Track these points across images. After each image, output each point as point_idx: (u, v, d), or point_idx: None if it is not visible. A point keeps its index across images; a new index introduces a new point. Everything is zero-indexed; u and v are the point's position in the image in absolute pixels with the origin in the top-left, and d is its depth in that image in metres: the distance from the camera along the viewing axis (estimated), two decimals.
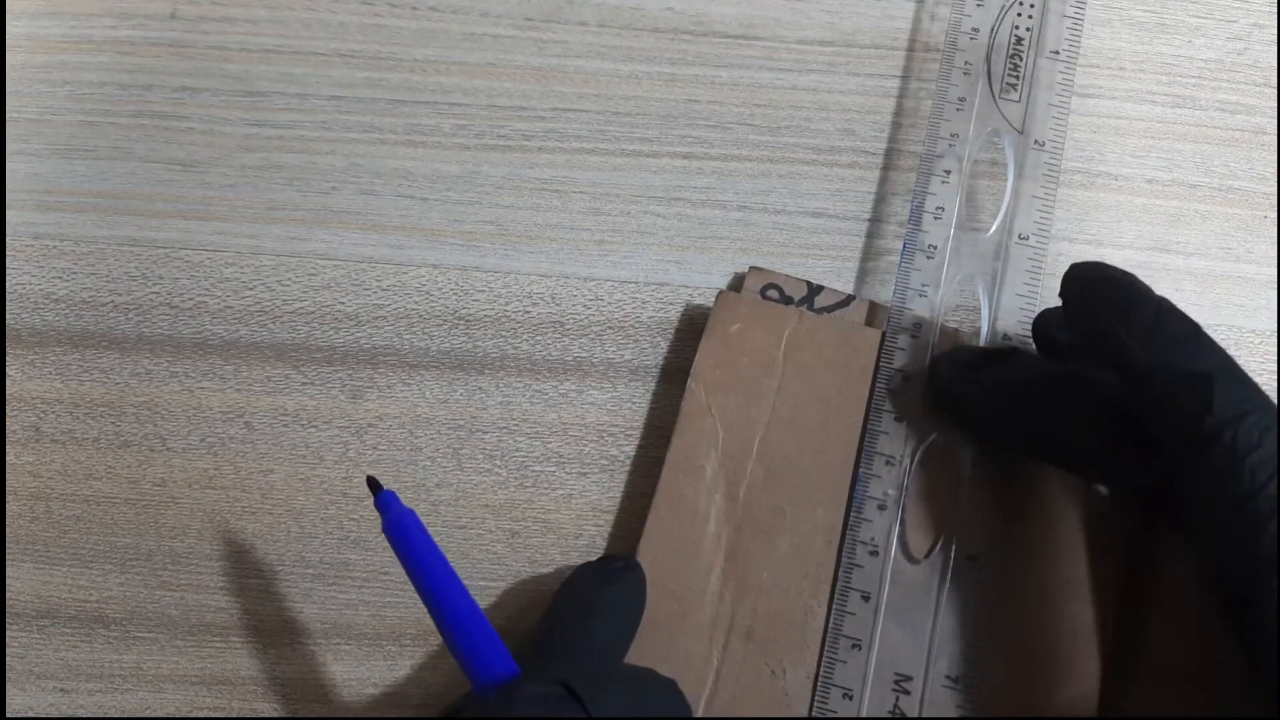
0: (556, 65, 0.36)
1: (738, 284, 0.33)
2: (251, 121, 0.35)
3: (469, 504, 0.32)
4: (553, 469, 0.32)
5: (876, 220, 0.34)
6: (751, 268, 0.32)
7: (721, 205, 0.35)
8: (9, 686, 0.31)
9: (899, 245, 0.34)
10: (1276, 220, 0.34)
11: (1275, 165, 0.35)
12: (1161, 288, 0.26)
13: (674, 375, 0.33)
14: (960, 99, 0.32)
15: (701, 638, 0.29)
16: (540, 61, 0.36)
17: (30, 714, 0.31)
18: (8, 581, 0.32)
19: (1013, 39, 0.33)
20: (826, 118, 0.35)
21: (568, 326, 0.34)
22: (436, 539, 0.32)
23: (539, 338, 0.33)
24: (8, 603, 0.32)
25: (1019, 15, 0.33)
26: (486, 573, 0.31)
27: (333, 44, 0.36)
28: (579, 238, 0.34)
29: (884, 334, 0.31)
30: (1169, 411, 0.25)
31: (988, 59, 0.33)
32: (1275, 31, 0.36)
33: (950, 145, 0.32)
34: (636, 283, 0.34)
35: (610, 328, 0.34)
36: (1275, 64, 0.36)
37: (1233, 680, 0.25)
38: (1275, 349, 0.33)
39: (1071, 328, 0.28)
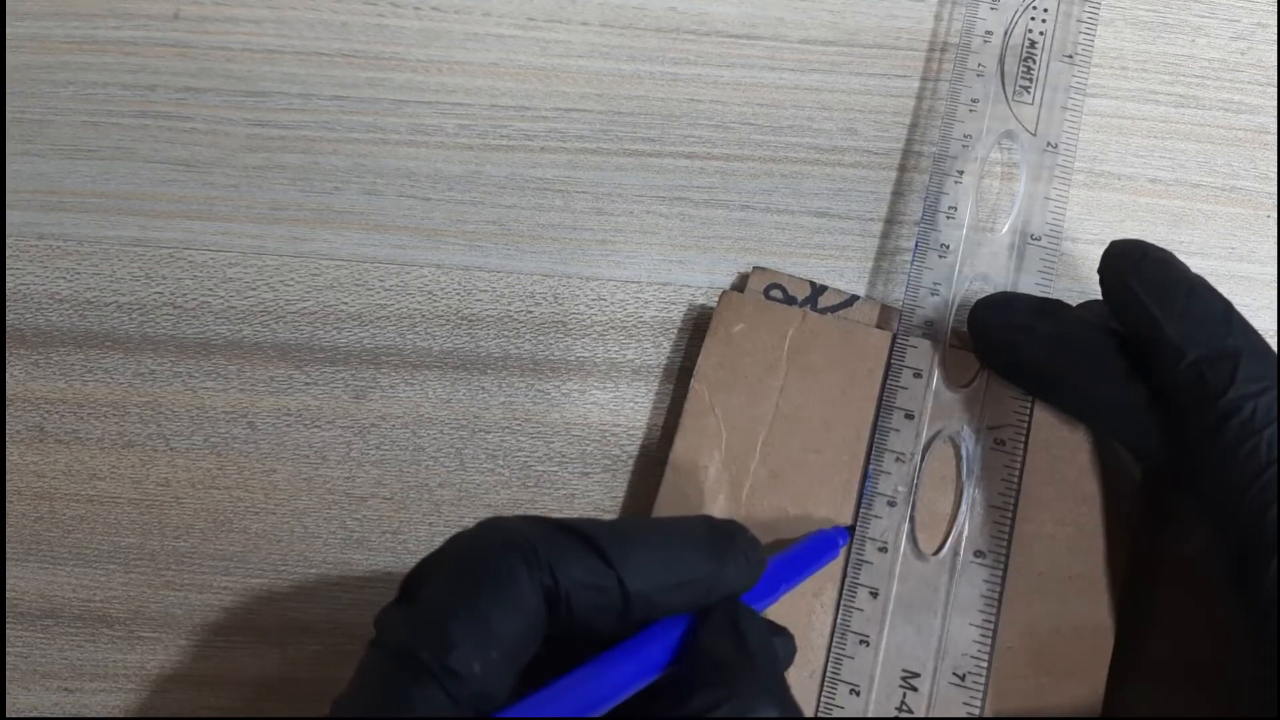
0: (559, 65, 0.36)
1: (741, 284, 0.33)
2: (255, 122, 0.35)
3: (472, 504, 0.32)
4: (555, 469, 0.32)
5: (880, 220, 0.34)
6: (755, 267, 0.32)
7: (724, 205, 0.35)
8: (12, 686, 0.31)
9: (903, 245, 0.34)
10: (1278, 220, 0.34)
11: (1277, 165, 0.35)
12: None
13: (677, 375, 0.33)
14: (973, 100, 0.33)
15: None
16: (543, 61, 0.36)
17: (33, 714, 0.31)
18: (11, 581, 0.32)
19: (1026, 42, 0.33)
20: (829, 117, 0.35)
21: (570, 326, 0.34)
22: (439, 539, 0.32)
23: (542, 337, 0.33)
24: (11, 602, 0.32)
25: (1033, 19, 0.33)
26: None
27: (336, 44, 0.36)
28: (581, 237, 0.34)
29: (895, 331, 0.31)
30: (1194, 386, 0.25)
31: (1001, 61, 0.33)
32: (1277, 31, 0.36)
33: (964, 146, 0.32)
34: (639, 282, 0.34)
35: (613, 328, 0.34)
36: (1277, 64, 0.36)
37: (1239, 680, 0.25)
38: (1276, 347, 0.33)
39: (1106, 302, 0.28)
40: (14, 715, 0.31)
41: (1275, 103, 0.35)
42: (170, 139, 0.35)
